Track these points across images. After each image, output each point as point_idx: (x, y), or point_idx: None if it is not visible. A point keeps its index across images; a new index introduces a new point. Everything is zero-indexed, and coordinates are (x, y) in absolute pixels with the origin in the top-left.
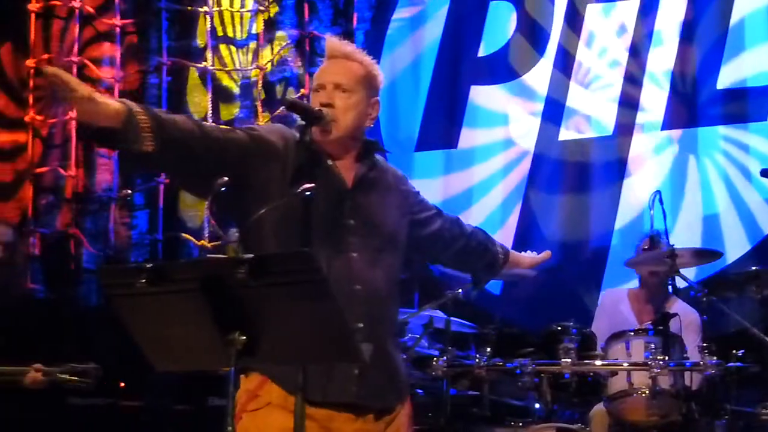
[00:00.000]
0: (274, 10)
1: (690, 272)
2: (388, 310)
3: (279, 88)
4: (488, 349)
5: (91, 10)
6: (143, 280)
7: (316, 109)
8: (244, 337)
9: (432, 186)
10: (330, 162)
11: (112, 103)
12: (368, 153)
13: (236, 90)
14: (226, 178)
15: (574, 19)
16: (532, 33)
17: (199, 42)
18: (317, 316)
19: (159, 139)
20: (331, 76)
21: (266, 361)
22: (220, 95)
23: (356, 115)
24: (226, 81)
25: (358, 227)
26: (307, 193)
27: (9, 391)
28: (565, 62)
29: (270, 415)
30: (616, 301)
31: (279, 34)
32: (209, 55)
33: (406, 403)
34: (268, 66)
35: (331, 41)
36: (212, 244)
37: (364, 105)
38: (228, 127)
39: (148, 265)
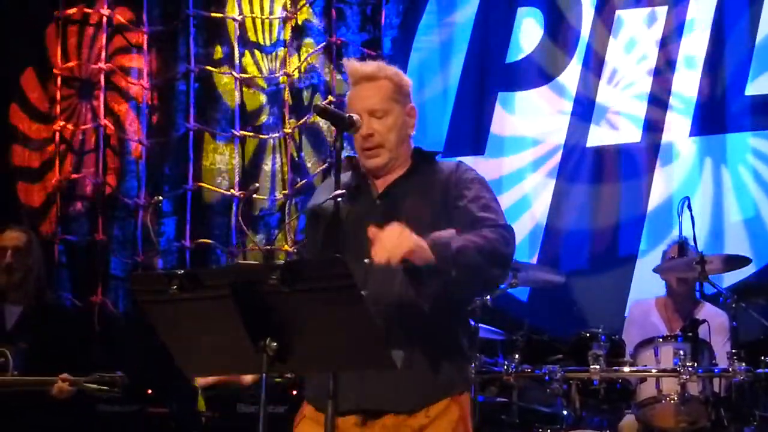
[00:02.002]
0: (301, 17)
1: (718, 279)
2: (406, 313)
3: (306, 95)
4: (517, 356)
5: (119, 17)
6: (175, 287)
7: (347, 115)
8: (276, 344)
9: None
10: (363, 173)
11: None
12: (419, 162)
13: (264, 97)
14: (257, 185)
15: (602, 28)
16: (561, 37)
17: (227, 49)
18: (348, 323)
19: None
20: (361, 103)
21: (298, 368)
22: (248, 102)
23: (398, 132)
24: (253, 88)
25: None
26: (339, 199)
27: (37, 398)
28: (593, 70)
29: (302, 428)
30: (646, 312)
31: (307, 40)
32: (236, 61)
33: (449, 409)
34: (296, 73)
35: (351, 65)
36: (240, 250)
37: (402, 118)
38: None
39: (179, 272)
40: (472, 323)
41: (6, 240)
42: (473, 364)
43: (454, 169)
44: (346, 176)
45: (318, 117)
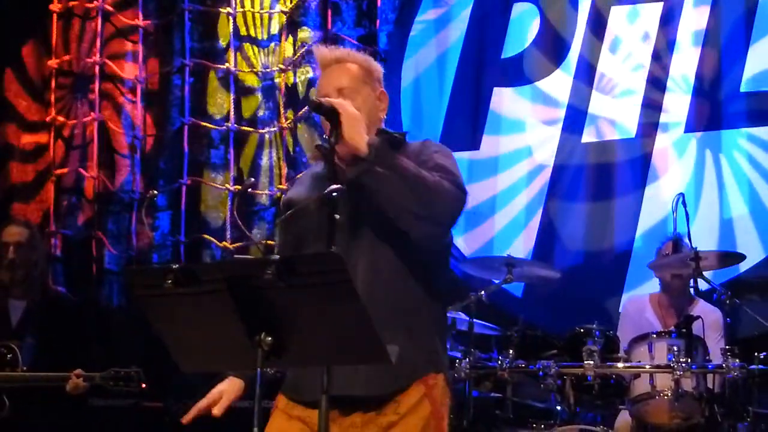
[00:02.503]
0: (296, 10)
1: (712, 275)
2: (369, 296)
3: (301, 89)
4: (511, 352)
5: (113, 10)
6: (170, 281)
7: None
8: (271, 339)
9: None
10: (336, 161)
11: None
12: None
13: (258, 91)
14: (252, 179)
15: (596, 23)
16: (555, 34)
17: (222, 43)
18: (343, 318)
19: None
20: (331, 82)
21: (293, 362)
22: (243, 96)
23: (367, 113)
24: (248, 82)
25: (345, 222)
26: (334, 194)
27: (30, 391)
28: (587, 66)
29: (273, 420)
30: (640, 308)
31: (302, 35)
32: (232, 56)
33: (421, 405)
34: (291, 67)
35: (319, 51)
36: (235, 245)
37: (372, 100)
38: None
39: (175, 266)
40: (467, 318)
41: (8, 236)
42: (467, 358)
43: (420, 145)
44: (318, 166)
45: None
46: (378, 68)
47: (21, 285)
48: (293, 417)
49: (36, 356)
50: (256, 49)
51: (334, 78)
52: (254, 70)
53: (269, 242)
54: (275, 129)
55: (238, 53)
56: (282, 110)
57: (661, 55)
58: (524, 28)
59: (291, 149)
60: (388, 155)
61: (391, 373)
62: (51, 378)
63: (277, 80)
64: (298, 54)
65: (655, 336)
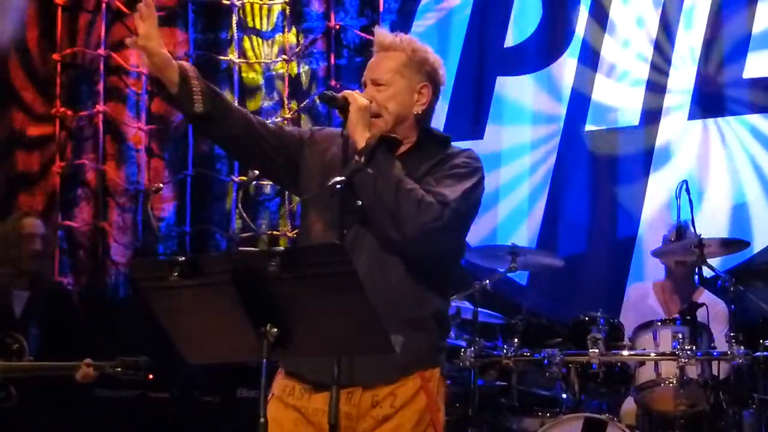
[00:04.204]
0: (298, 1)
1: (716, 262)
2: (379, 285)
3: (305, 80)
4: (516, 340)
5: (118, 3)
6: (176, 274)
7: None
8: (276, 330)
9: None
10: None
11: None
12: (425, 142)
13: (262, 82)
14: (257, 171)
15: (599, 11)
16: (558, 21)
17: (226, 34)
18: (348, 308)
19: (209, 103)
20: (369, 72)
21: (298, 353)
22: (246, 87)
23: (396, 105)
24: (252, 73)
25: (360, 210)
26: (338, 186)
27: (37, 382)
28: (590, 53)
29: (269, 407)
30: (643, 295)
31: (305, 26)
32: (235, 47)
33: (417, 398)
34: (294, 58)
35: (377, 34)
36: (241, 236)
37: (406, 93)
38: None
39: (180, 259)
40: (471, 307)
41: (31, 227)
42: (472, 347)
43: (452, 155)
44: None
45: (319, 101)
46: (430, 61)
47: (31, 275)
48: (288, 405)
49: (40, 346)
50: (259, 40)
51: (373, 66)
52: (257, 61)
53: (273, 233)
54: (279, 120)
55: (241, 44)
56: (285, 101)
57: (665, 42)
58: (527, 16)
59: None
60: (380, 158)
61: (387, 364)
62: (60, 368)
63: (279, 71)
64: (302, 45)
65: (659, 323)
